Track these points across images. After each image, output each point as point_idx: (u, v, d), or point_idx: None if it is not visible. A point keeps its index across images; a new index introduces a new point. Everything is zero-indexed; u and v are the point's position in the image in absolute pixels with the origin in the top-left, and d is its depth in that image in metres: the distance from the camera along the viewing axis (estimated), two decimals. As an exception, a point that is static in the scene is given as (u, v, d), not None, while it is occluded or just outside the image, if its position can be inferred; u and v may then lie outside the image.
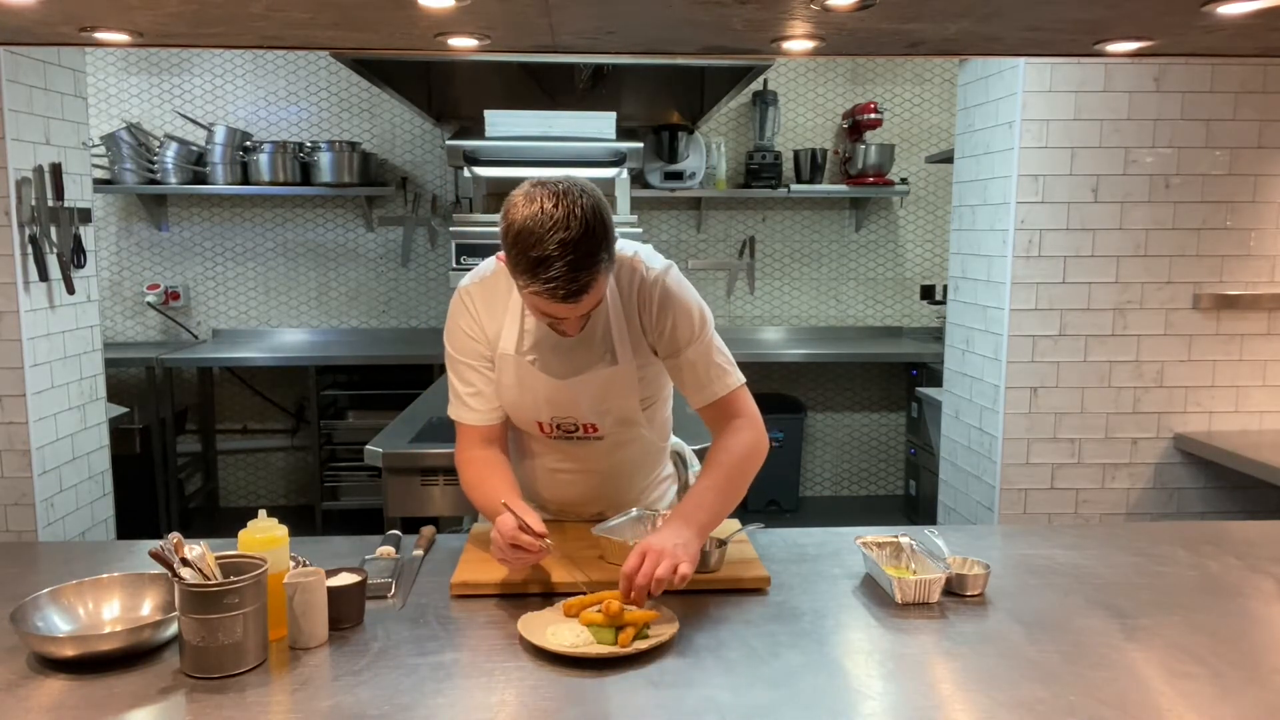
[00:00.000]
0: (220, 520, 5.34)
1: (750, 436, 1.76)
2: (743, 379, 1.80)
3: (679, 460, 2.15)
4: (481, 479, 1.78)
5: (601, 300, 1.64)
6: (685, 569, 1.50)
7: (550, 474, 1.93)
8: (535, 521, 1.59)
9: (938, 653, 1.43)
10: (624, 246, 1.77)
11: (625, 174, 3.93)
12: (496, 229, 1.61)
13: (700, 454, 2.02)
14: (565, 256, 1.48)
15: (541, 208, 1.50)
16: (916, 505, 5.26)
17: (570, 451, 1.88)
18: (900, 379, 5.56)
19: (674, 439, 2.10)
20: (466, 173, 3.94)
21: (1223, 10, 1.49)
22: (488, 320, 1.79)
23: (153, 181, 4.95)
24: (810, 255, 5.56)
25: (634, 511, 1.83)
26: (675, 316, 1.73)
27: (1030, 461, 3.33)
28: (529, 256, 1.50)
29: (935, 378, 4.48)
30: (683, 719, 1.24)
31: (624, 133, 3.95)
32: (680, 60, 3.93)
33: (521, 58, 4.03)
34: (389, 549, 1.80)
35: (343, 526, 5.00)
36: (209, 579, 1.35)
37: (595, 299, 1.58)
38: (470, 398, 1.82)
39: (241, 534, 1.48)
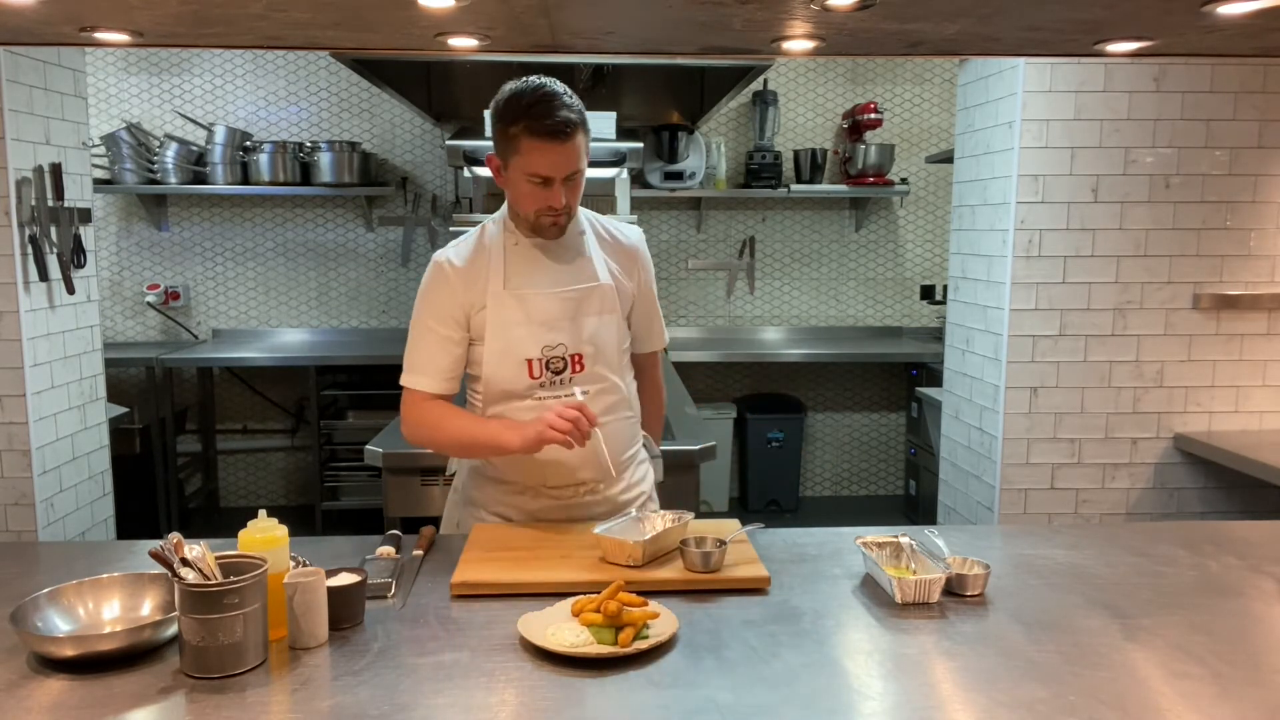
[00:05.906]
0: (220, 520, 5.34)
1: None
2: None
3: (647, 444, 2.18)
4: (451, 414, 1.91)
5: (580, 170, 1.83)
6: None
7: None
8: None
9: (938, 653, 1.43)
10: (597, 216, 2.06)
11: (625, 174, 3.93)
12: None
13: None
14: (556, 96, 1.76)
15: (524, 79, 1.80)
16: (916, 505, 5.26)
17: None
18: (900, 379, 5.56)
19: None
20: (466, 173, 3.94)
21: (1223, 10, 1.49)
22: (469, 280, 1.90)
23: (153, 181, 4.95)
24: (810, 255, 5.56)
25: (632, 512, 1.89)
26: (648, 264, 2.07)
27: (1030, 461, 3.33)
28: (523, 102, 1.76)
29: (935, 378, 4.48)
30: (683, 719, 1.24)
31: (624, 133, 3.94)
32: (680, 60, 3.93)
33: (521, 58, 4.02)
34: (389, 549, 1.80)
35: (343, 526, 5.00)
36: (209, 579, 1.35)
37: (579, 152, 1.80)
38: (426, 363, 1.92)
39: (241, 534, 1.48)
